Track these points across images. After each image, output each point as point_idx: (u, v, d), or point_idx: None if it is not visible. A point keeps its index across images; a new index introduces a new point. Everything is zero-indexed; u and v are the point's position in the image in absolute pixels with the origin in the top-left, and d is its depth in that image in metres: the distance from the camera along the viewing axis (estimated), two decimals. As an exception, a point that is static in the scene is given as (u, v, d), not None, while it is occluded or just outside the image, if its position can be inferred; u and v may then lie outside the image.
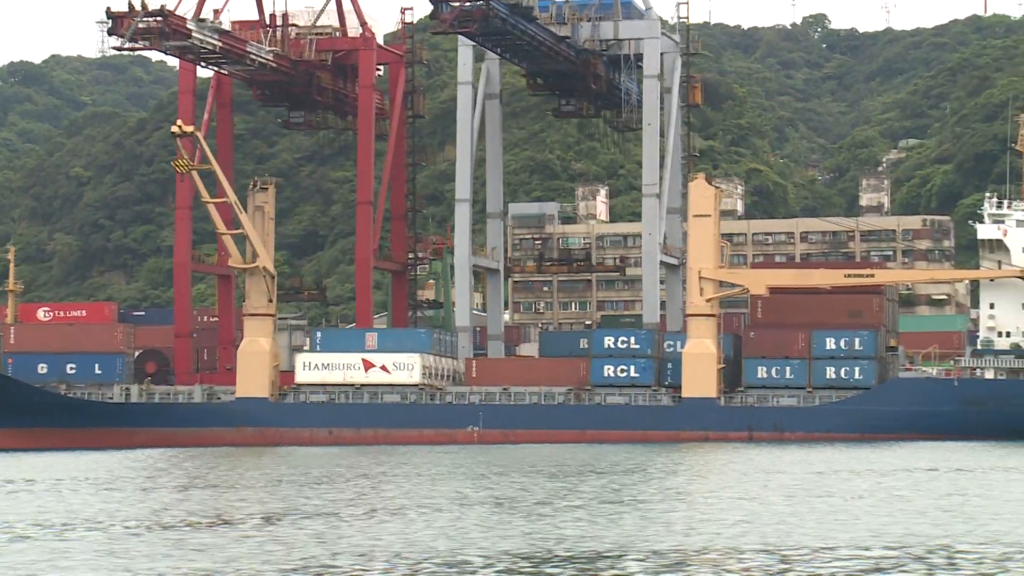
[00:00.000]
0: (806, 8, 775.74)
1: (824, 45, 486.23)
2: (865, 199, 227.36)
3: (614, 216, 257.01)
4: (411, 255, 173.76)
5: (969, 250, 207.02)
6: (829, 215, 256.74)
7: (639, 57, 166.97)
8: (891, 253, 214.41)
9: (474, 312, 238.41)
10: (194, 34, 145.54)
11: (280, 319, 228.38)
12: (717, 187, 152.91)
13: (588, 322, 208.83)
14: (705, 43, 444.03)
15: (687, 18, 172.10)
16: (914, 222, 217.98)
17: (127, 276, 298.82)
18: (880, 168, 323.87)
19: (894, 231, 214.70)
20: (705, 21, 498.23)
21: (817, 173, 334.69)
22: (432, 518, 60.34)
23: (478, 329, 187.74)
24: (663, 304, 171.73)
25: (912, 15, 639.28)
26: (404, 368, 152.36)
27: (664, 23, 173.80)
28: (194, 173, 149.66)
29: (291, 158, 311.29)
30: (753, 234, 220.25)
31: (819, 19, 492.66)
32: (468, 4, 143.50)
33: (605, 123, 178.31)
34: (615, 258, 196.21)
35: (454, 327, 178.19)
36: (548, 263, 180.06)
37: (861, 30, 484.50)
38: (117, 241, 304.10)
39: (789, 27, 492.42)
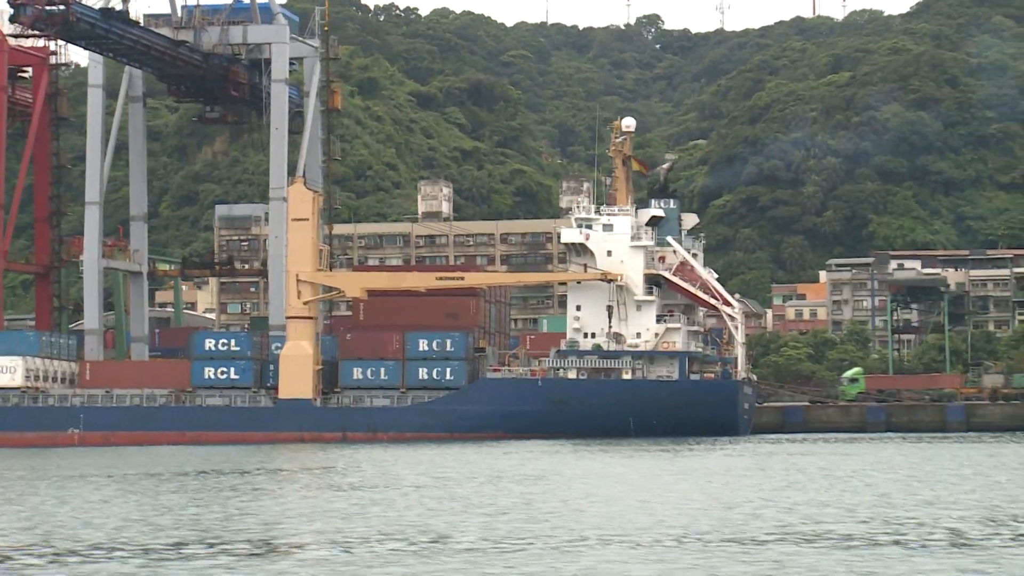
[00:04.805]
0: (640, 8, 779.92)
1: (657, 45, 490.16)
2: (564, 201, 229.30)
3: (358, 216, 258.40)
4: (56, 258, 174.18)
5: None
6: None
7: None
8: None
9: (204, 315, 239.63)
10: None
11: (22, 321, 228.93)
12: (315, 191, 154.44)
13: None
14: (536, 44, 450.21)
15: (327, 22, 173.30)
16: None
17: None
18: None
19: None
20: (542, 21, 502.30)
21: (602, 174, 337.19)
22: None
23: (158, 331, 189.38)
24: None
25: (745, 16, 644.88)
26: (6, 371, 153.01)
27: (303, 26, 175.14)
28: None
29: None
30: (455, 236, 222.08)
31: (652, 19, 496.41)
32: (49, 7, 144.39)
33: (255, 127, 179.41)
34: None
35: (126, 328, 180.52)
36: (192, 267, 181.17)
37: (694, 31, 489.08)
38: None
39: (623, 27, 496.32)
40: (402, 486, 76.67)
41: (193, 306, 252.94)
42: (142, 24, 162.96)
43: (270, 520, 58.37)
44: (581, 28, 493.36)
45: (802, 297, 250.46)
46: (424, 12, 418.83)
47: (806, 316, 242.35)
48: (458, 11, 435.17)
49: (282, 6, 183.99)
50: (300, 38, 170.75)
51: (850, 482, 75.32)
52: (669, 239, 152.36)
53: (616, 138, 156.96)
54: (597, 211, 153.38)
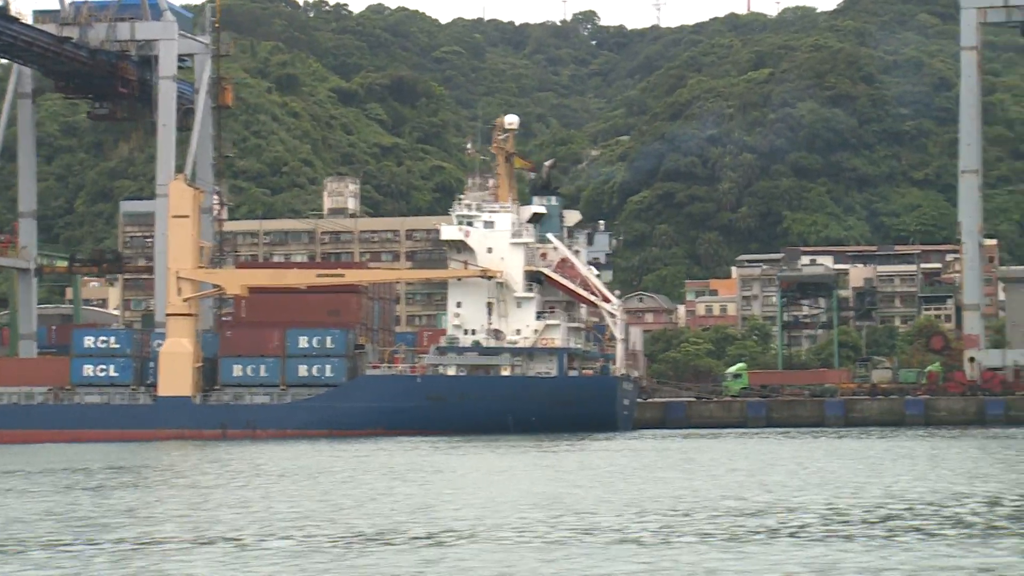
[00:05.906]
0: (577, 5, 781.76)
1: (593, 42, 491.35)
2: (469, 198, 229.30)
3: (273, 212, 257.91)
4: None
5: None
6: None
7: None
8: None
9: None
10: None
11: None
12: (196, 188, 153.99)
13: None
14: (471, 40, 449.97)
15: (217, 19, 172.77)
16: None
17: None
18: (580, 165, 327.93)
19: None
20: (479, 17, 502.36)
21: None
22: None
23: (55, 328, 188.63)
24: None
25: (681, 13, 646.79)
26: None
27: (194, 23, 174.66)
28: None
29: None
30: (361, 232, 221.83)
31: (588, 16, 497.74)
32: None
33: (147, 125, 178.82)
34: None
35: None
36: (79, 264, 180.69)
37: (630, 27, 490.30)
38: None
39: (559, 24, 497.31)
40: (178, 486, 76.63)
41: (104, 303, 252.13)
42: (30, 21, 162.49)
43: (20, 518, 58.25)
44: (517, 24, 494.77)
45: (714, 293, 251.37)
46: (356, 9, 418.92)
47: (716, 312, 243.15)
48: (393, 7, 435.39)
49: (179, 5, 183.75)
50: (189, 34, 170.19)
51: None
52: (550, 236, 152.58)
53: (499, 135, 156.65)
54: (478, 208, 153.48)
